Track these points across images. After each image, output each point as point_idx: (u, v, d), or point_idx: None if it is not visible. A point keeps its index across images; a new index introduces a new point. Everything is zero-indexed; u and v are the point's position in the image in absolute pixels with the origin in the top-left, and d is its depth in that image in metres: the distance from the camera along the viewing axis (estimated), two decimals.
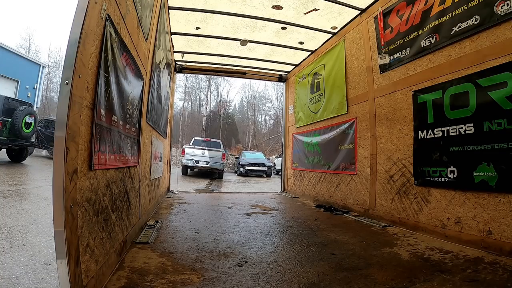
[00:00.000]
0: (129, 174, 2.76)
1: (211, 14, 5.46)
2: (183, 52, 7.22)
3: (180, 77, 45.74)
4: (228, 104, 49.10)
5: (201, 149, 16.33)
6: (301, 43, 6.52)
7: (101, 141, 1.89)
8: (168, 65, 5.85)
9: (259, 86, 50.89)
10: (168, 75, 6.09)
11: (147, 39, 3.41)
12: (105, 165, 1.98)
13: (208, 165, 16.06)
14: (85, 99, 1.60)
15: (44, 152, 16.11)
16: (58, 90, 1.60)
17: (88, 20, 1.56)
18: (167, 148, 6.98)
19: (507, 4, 2.72)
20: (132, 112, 2.78)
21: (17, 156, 11.55)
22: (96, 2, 1.66)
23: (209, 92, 45.08)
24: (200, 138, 19.56)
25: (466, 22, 3.14)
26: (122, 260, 2.33)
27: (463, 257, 2.60)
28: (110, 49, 1.96)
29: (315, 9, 5.14)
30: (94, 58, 1.71)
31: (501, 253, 2.63)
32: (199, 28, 6.00)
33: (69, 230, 1.41)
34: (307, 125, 7.24)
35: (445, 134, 3.29)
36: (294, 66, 8.01)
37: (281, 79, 8.67)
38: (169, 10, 5.28)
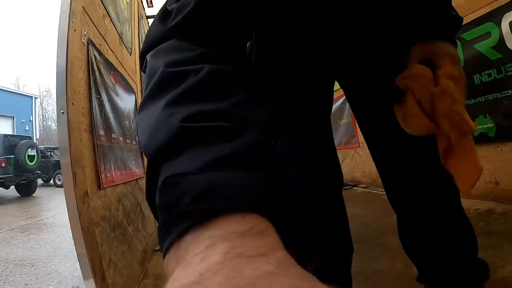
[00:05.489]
0: (138, 186, 2.84)
1: None
2: None
3: None
4: None
5: None
6: None
7: (105, 160, 1.96)
8: None
9: None
10: None
11: (131, 53, 3.46)
12: (113, 182, 2.05)
13: None
14: (82, 124, 1.67)
15: None
16: (54, 118, 1.67)
17: (71, 48, 1.62)
18: None
19: None
20: (130, 126, 2.85)
21: (26, 190, 11.63)
22: (75, 30, 1.72)
23: None
24: None
25: None
26: (146, 269, 2.41)
27: (474, 211, 2.64)
28: (97, 71, 2.02)
29: None
30: (83, 83, 1.77)
31: (511, 202, 2.66)
32: None
33: (90, 249, 1.48)
34: None
35: None
36: None
37: None
38: (148, 20, 5.31)
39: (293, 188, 1.06)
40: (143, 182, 3.09)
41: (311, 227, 1.10)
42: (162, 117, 0.39)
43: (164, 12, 0.55)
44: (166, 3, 0.57)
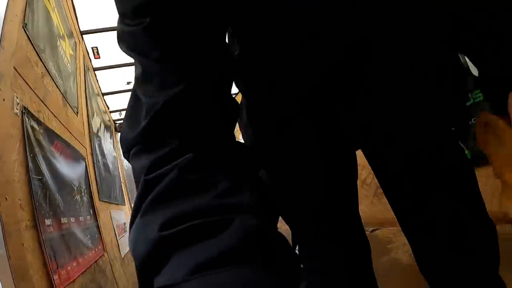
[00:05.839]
0: (99, 267, 2.43)
1: None
2: (121, 110, 6.85)
3: None
4: None
5: None
6: None
7: (57, 255, 1.58)
8: (107, 128, 5.53)
9: None
10: (110, 138, 5.77)
11: (77, 112, 3.09)
12: (69, 278, 1.67)
13: None
14: (22, 221, 1.30)
15: None
16: None
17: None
18: (128, 213, 6.53)
19: None
20: (82, 200, 2.46)
21: None
22: (4, 99, 1.39)
23: None
24: None
25: None
26: None
27: None
28: (36, 145, 1.67)
29: None
30: (19, 166, 1.41)
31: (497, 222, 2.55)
32: (130, 82, 5.74)
33: None
34: None
35: None
36: None
37: None
38: (95, 72, 4.98)
39: (296, 188, 0.94)
40: (103, 260, 2.69)
41: (311, 227, 0.98)
42: (140, 229, 0.36)
43: (135, 101, 0.48)
44: (134, 85, 0.49)
